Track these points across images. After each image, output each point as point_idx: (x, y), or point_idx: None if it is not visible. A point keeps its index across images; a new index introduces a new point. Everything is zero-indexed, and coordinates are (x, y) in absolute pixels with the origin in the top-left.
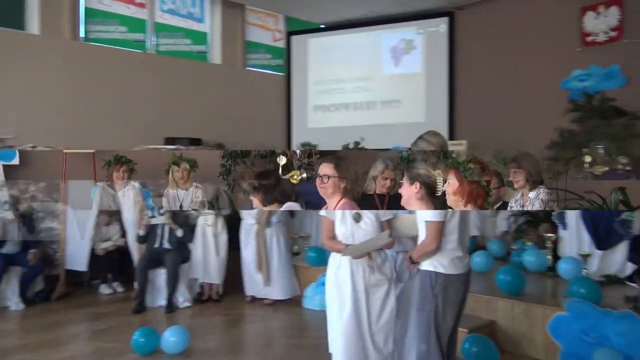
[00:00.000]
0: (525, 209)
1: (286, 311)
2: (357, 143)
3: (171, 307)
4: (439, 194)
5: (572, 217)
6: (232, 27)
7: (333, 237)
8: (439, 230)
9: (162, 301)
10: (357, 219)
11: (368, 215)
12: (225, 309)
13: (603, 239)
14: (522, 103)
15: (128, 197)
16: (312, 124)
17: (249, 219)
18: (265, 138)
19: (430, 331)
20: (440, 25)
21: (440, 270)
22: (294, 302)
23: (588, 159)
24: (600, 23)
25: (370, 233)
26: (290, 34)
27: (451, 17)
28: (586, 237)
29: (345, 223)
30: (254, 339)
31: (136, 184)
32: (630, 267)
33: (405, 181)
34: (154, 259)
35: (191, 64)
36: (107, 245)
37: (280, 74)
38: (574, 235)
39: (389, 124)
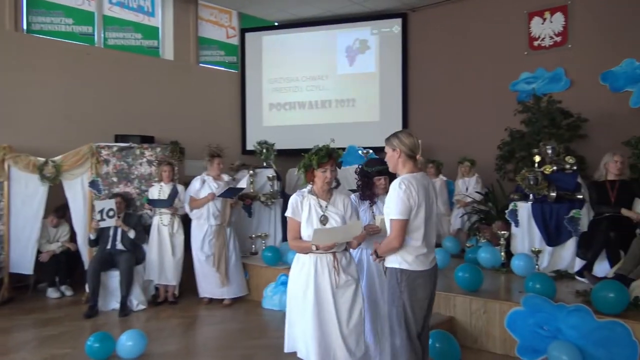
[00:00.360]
0: None
1: (245, 312)
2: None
3: (125, 310)
4: (419, 156)
5: (524, 214)
6: (184, 23)
7: (299, 237)
8: (402, 227)
9: (115, 304)
10: (324, 221)
11: (334, 217)
12: (182, 311)
13: (553, 236)
14: (474, 103)
15: (76, 194)
16: (267, 122)
17: (211, 220)
18: (219, 136)
19: (401, 326)
20: (394, 26)
21: (405, 267)
22: (253, 303)
23: (537, 158)
24: (546, 28)
25: None
26: (244, 31)
27: (404, 18)
28: (537, 234)
29: (312, 224)
30: (214, 341)
31: (85, 180)
32: (578, 263)
33: (388, 150)
34: (106, 261)
35: (142, 59)
36: (54, 247)
37: (234, 71)
38: (525, 233)
39: (343, 123)
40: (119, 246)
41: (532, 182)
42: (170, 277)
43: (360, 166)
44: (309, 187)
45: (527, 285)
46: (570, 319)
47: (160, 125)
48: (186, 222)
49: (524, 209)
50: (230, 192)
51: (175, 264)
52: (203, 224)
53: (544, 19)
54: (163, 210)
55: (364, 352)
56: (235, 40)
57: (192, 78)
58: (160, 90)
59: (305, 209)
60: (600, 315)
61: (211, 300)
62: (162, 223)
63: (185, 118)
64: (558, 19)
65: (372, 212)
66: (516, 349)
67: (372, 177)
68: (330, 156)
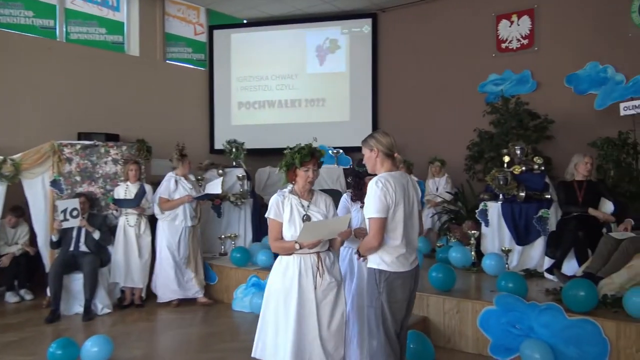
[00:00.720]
0: None
1: (215, 314)
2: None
3: (89, 314)
4: (396, 154)
5: (494, 214)
6: (150, 18)
7: (280, 238)
8: (380, 226)
9: (78, 308)
10: (307, 220)
11: (317, 217)
12: (149, 315)
13: (522, 235)
14: (443, 104)
15: (36, 193)
16: (235, 121)
17: (188, 221)
18: (186, 134)
19: (379, 327)
20: (364, 26)
21: (384, 267)
22: (222, 305)
23: (506, 159)
24: (513, 31)
25: None
26: (212, 28)
27: (374, 18)
28: (507, 234)
29: (294, 224)
30: (184, 345)
31: (47, 179)
32: (547, 262)
33: (365, 152)
34: (69, 263)
35: (106, 55)
36: (14, 249)
37: (202, 68)
38: (495, 232)
39: (314, 122)
40: (83, 248)
41: (501, 182)
42: (137, 279)
43: (351, 166)
44: (289, 187)
45: (499, 284)
46: (542, 317)
47: (126, 123)
48: (152, 222)
49: (494, 208)
50: (206, 197)
51: (142, 265)
52: (179, 226)
53: (512, 22)
54: (129, 210)
55: (342, 356)
56: (203, 38)
57: (158, 75)
58: (126, 87)
59: (286, 209)
60: (571, 313)
61: (180, 303)
62: (128, 224)
63: (152, 116)
64: (525, 22)
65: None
66: (489, 347)
67: (363, 177)
68: (312, 155)
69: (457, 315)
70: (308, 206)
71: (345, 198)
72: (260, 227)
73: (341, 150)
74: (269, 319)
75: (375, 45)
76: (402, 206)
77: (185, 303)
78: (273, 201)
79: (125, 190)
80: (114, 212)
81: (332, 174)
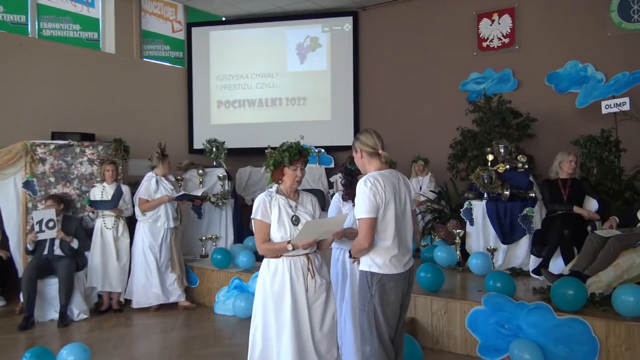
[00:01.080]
0: None
1: (197, 318)
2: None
3: (65, 320)
4: (381, 151)
5: (479, 213)
6: (126, 15)
7: (268, 240)
8: (370, 227)
9: (53, 314)
10: (296, 221)
11: (305, 218)
12: (128, 320)
13: (507, 234)
14: (425, 102)
15: (8, 195)
16: (215, 120)
17: (170, 222)
18: (164, 134)
19: (372, 332)
20: (345, 24)
21: (375, 269)
22: (204, 308)
23: (490, 157)
24: (494, 29)
25: None
26: (190, 25)
27: (355, 16)
28: (491, 232)
29: (284, 225)
30: (166, 351)
31: (19, 180)
32: (533, 260)
33: (353, 154)
34: (43, 267)
35: (81, 52)
36: None
37: (180, 66)
38: (480, 231)
39: (294, 121)
40: (57, 251)
41: (486, 181)
42: (115, 283)
43: (343, 164)
44: (275, 186)
45: (487, 284)
46: (530, 317)
47: (101, 123)
48: (131, 224)
49: (479, 207)
50: (185, 197)
51: (120, 269)
52: (161, 227)
53: (493, 21)
54: (106, 212)
55: (335, 358)
56: (181, 35)
57: (135, 73)
58: (101, 85)
59: (274, 210)
60: (559, 312)
61: (159, 307)
62: (105, 226)
63: (128, 115)
64: (506, 21)
65: None
66: (477, 348)
67: (356, 175)
68: (301, 154)
69: (445, 315)
70: (296, 206)
71: (336, 198)
72: (241, 228)
73: (323, 150)
74: (261, 324)
75: (356, 44)
76: (392, 205)
77: (165, 307)
78: (259, 202)
79: (101, 191)
80: (90, 214)
81: (314, 174)
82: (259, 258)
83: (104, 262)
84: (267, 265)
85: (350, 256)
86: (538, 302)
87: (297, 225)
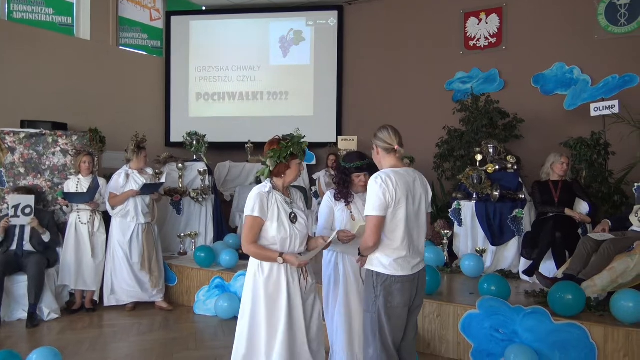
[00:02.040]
0: None
1: (176, 319)
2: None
3: (34, 320)
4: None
5: (468, 214)
6: (103, 0)
7: (257, 240)
8: (377, 225)
9: (22, 314)
10: (294, 219)
11: (300, 215)
12: (102, 320)
13: (497, 236)
14: (410, 101)
15: None
16: (193, 112)
17: (140, 217)
18: (140, 125)
19: (375, 335)
20: (330, 19)
21: (381, 270)
22: (183, 308)
23: (479, 157)
24: (481, 29)
25: (304, 235)
26: (169, 14)
27: (340, 11)
28: (480, 234)
29: (283, 224)
30: (144, 354)
31: None
32: (523, 262)
33: (372, 151)
34: (11, 264)
35: (53, 37)
36: None
37: (158, 56)
38: (469, 232)
39: (276, 116)
40: (27, 247)
41: (475, 181)
42: (90, 281)
43: (337, 162)
44: (268, 182)
45: (481, 287)
46: (526, 321)
47: (74, 112)
48: (107, 219)
49: (468, 208)
50: (149, 189)
51: (95, 267)
52: (130, 223)
53: (480, 20)
54: (82, 206)
55: (324, 356)
56: (159, 24)
57: (110, 61)
58: (75, 73)
59: (273, 207)
60: (556, 317)
61: (135, 306)
62: (80, 221)
63: (103, 105)
64: (493, 21)
65: (350, 212)
66: (470, 353)
67: (351, 173)
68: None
69: (438, 319)
70: (291, 203)
71: (328, 197)
72: (222, 225)
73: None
74: (248, 326)
75: (341, 39)
76: (404, 205)
77: (141, 306)
78: (256, 197)
79: (76, 184)
80: (64, 208)
81: None
82: (243, 257)
83: (77, 259)
84: (260, 266)
85: (359, 254)
86: (535, 307)
87: (295, 223)
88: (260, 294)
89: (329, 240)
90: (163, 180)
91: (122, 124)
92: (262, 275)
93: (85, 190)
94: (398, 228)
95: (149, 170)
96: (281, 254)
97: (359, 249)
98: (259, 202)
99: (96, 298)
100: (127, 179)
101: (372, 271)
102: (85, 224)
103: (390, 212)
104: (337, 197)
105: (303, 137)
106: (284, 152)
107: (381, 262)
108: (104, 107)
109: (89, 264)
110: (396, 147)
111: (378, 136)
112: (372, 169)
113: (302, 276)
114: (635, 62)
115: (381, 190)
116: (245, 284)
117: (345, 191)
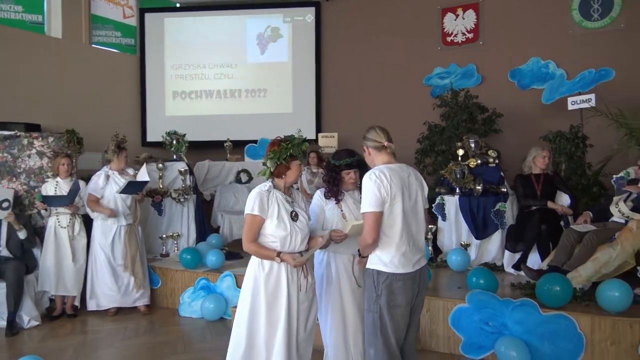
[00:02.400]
0: None
1: (161, 322)
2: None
3: (14, 328)
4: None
5: (451, 208)
6: None
7: (257, 238)
8: (374, 221)
9: (1, 322)
10: (295, 217)
11: (301, 214)
12: (85, 326)
13: (481, 229)
14: (389, 97)
15: None
16: (170, 111)
17: (122, 219)
18: (116, 125)
19: (377, 334)
20: (307, 15)
21: (382, 268)
22: (167, 311)
23: (461, 152)
24: (458, 24)
25: (305, 234)
26: (143, 11)
27: (318, 7)
28: (464, 228)
29: (284, 221)
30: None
31: None
32: (507, 255)
33: (363, 153)
34: None
35: (24, 36)
36: None
37: (133, 54)
38: (453, 226)
39: (255, 114)
40: (4, 252)
41: (458, 176)
42: (71, 286)
43: (327, 159)
44: (269, 182)
45: (469, 281)
46: (515, 314)
47: (47, 112)
48: (88, 223)
49: (451, 202)
50: (133, 188)
51: (76, 271)
52: (112, 225)
53: (457, 16)
54: (61, 209)
55: (309, 357)
56: (133, 21)
57: (83, 60)
58: (47, 72)
59: (273, 206)
60: (544, 308)
61: (118, 311)
62: (59, 225)
63: (76, 105)
64: (470, 16)
65: (341, 210)
66: (460, 346)
67: (340, 170)
68: None
69: (428, 314)
70: (292, 202)
71: (318, 195)
72: (204, 225)
73: None
74: (247, 323)
75: (318, 35)
76: (400, 200)
77: (124, 311)
78: (257, 196)
79: (55, 186)
80: (43, 211)
81: None
82: (229, 257)
83: (58, 264)
84: (260, 263)
85: (360, 256)
86: (524, 299)
87: (296, 221)
88: (261, 291)
89: (326, 239)
90: (147, 178)
91: (97, 124)
92: (263, 272)
93: (64, 193)
94: (396, 223)
95: (130, 171)
96: (279, 254)
97: (359, 250)
98: (259, 200)
99: (77, 303)
100: (108, 180)
101: (373, 270)
102: (65, 227)
103: (386, 208)
104: (327, 196)
105: (304, 139)
106: (283, 154)
107: (381, 259)
108: (78, 107)
109: (69, 269)
110: (386, 143)
111: (367, 137)
112: (362, 165)
113: (302, 275)
114: (611, 57)
115: (376, 186)
116: (244, 280)
117: (335, 189)
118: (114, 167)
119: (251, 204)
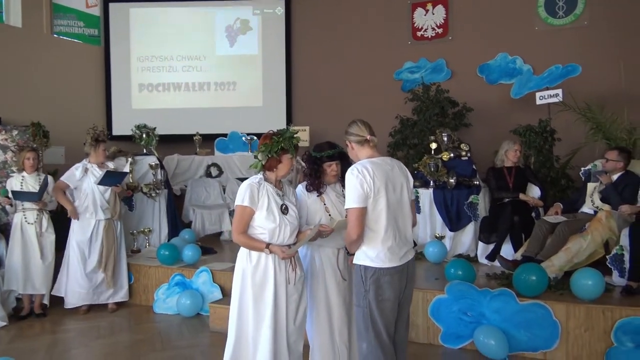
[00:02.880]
0: None
1: (136, 319)
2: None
3: None
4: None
5: (426, 201)
6: None
7: (247, 230)
8: (359, 217)
9: None
10: (285, 210)
11: (292, 207)
12: (55, 325)
13: (454, 221)
14: (361, 90)
15: None
16: (136, 104)
17: (99, 214)
18: (80, 119)
19: (368, 329)
20: (277, 8)
21: (368, 263)
22: (141, 307)
23: (434, 145)
24: (428, 19)
25: (295, 227)
26: (107, 1)
27: (288, 0)
28: (438, 220)
29: (273, 214)
30: (109, 359)
31: None
32: (481, 247)
33: (346, 148)
34: None
35: None
36: None
37: (96, 45)
38: (427, 219)
39: (224, 107)
40: None
41: (432, 169)
42: (39, 285)
43: (307, 152)
44: (261, 175)
45: (447, 272)
46: (493, 303)
47: (7, 105)
48: (56, 219)
49: (425, 195)
50: (112, 179)
51: (45, 269)
52: (90, 219)
53: (427, 11)
54: (27, 205)
55: (301, 352)
56: (96, 11)
57: (44, 50)
58: (5, 62)
59: (263, 198)
60: (521, 297)
61: (90, 308)
62: (26, 221)
63: (38, 97)
64: (439, 11)
65: (324, 203)
66: (440, 336)
67: (322, 163)
68: None
69: None
70: (283, 195)
71: (300, 189)
72: (176, 220)
73: (255, 137)
74: (236, 314)
75: (288, 28)
76: (384, 194)
77: (96, 308)
78: (247, 187)
79: (21, 181)
80: (8, 207)
81: (245, 162)
82: (205, 252)
83: (25, 262)
84: (248, 255)
85: (348, 253)
86: (501, 289)
87: (286, 214)
88: (248, 282)
89: (315, 231)
90: (127, 169)
91: (60, 116)
92: (250, 264)
93: (30, 189)
94: (380, 218)
95: (110, 165)
96: (268, 245)
97: (346, 248)
98: (249, 192)
99: (46, 302)
100: (86, 172)
101: (360, 265)
102: (32, 224)
103: (370, 203)
104: (309, 189)
105: (296, 133)
106: (274, 147)
107: (368, 255)
108: (40, 99)
109: (37, 266)
110: (368, 137)
111: (349, 131)
112: (343, 157)
113: (291, 267)
114: (576, 53)
115: (358, 181)
116: (234, 272)
117: (317, 182)
118: (92, 160)
119: (242, 196)
